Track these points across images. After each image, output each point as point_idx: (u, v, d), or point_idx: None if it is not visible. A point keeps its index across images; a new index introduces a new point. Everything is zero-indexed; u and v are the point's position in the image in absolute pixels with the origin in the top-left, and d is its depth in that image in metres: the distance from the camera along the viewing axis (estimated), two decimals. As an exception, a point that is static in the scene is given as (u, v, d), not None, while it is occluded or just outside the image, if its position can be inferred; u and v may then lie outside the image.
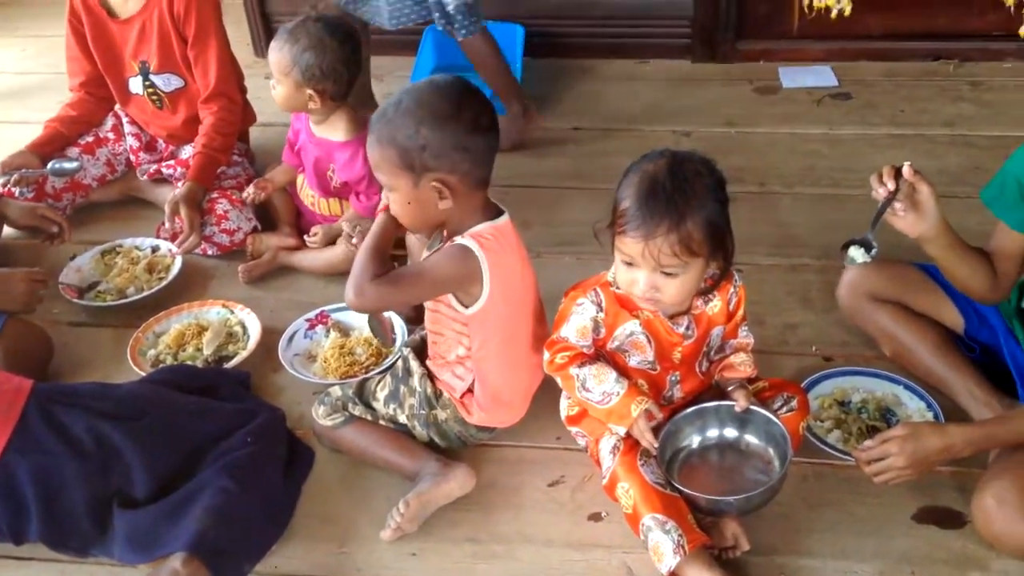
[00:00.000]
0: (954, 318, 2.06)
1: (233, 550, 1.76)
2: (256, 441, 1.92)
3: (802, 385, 2.02)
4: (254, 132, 3.06)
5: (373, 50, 3.20)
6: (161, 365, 2.27)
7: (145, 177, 2.88)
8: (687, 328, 1.81)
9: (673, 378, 1.87)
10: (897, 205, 1.75)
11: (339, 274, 2.51)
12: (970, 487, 1.80)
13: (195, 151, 2.70)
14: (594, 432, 1.90)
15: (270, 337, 2.33)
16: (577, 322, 1.81)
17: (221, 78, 2.72)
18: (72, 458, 1.80)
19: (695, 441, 1.86)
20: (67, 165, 2.74)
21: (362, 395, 2.03)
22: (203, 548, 1.70)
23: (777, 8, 3.49)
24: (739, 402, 1.80)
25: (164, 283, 2.54)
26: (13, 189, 2.69)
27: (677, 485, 1.73)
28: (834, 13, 2.82)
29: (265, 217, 2.74)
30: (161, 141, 2.93)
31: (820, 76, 3.45)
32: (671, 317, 1.80)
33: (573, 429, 1.98)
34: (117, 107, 2.91)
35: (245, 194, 2.64)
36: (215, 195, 2.67)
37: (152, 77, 2.76)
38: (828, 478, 1.93)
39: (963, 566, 1.75)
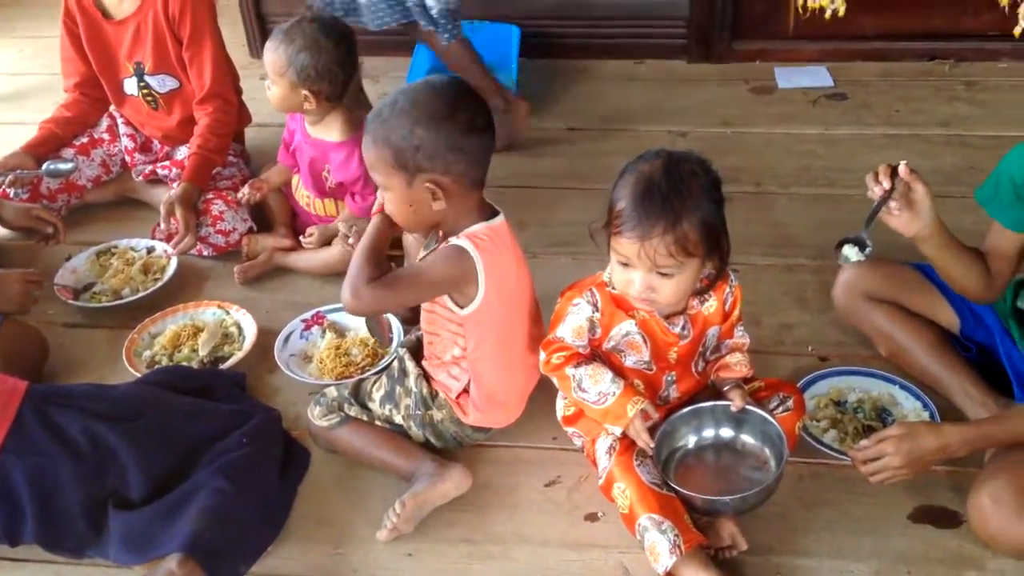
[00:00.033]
0: (950, 318, 2.07)
1: (229, 551, 1.76)
2: (252, 442, 1.92)
3: (798, 385, 2.02)
4: (249, 133, 3.05)
5: (368, 51, 3.19)
6: (156, 366, 2.27)
7: (140, 178, 2.87)
8: (683, 328, 1.81)
9: (669, 378, 1.87)
10: (892, 204, 1.75)
11: (335, 275, 2.51)
12: (966, 487, 1.80)
13: (190, 152, 2.70)
14: (590, 432, 1.90)
15: (266, 338, 2.32)
16: (573, 322, 1.81)
17: (216, 79, 2.72)
18: (67, 459, 1.79)
19: (691, 441, 1.86)
20: (62, 166, 2.73)
21: (358, 396, 2.03)
22: (199, 549, 1.70)
23: (773, 8, 3.49)
24: (735, 402, 1.80)
25: (159, 284, 2.54)
26: (8, 190, 2.69)
27: (673, 485, 1.73)
28: (828, 13, 2.82)
29: (261, 218, 2.73)
30: (156, 142, 2.92)
31: (816, 76, 3.45)
32: (667, 317, 1.80)
33: (569, 429, 1.98)
34: (112, 108, 2.91)
35: (240, 195, 2.64)
36: (210, 196, 2.67)
37: (147, 78, 2.76)
38: (824, 478, 1.93)
39: (959, 565, 1.76)
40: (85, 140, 2.87)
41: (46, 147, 2.79)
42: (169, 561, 1.68)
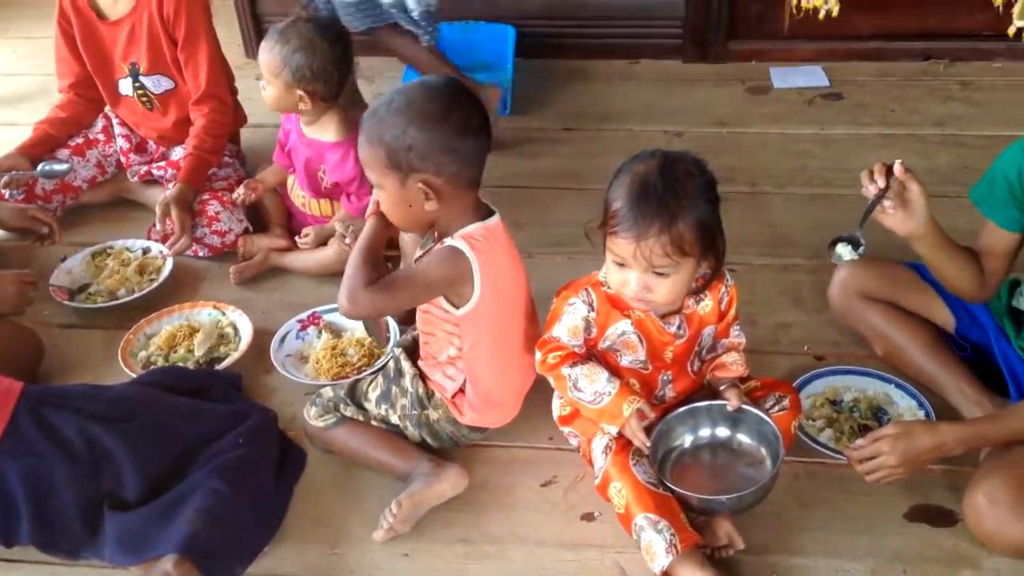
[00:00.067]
0: (945, 317, 2.07)
1: (225, 552, 1.76)
2: (248, 442, 1.92)
3: (794, 384, 2.02)
4: (245, 133, 3.05)
5: (364, 51, 3.19)
6: (152, 367, 2.26)
7: (136, 179, 2.87)
8: (678, 328, 1.81)
9: (665, 377, 1.87)
10: (887, 203, 1.76)
11: (331, 275, 2.52)
12: (961, 485, 1.80)
13: (186, 152, 2.69)
14: (586, 432, 1.90)
15: (262, 338, 2.32)
16: (569, 322, 1.81)
17: (211, 80, 2.72)
18: (63, 460, 1.79)
19: (687, 440, 1.86)
20: (57, 167, 2.72)
21: (354, 396, 2.03)
22: (194, 550, 1.69)
23: (768, 8, 3.49)
24: (731, 401, 1.80)
25: (155, 285, 2.53)
26: (3, 191, 2.68)
27: (669, 484, 1.73)
28: (822, 14, 2.83)
29: (256, 218, 2.73)
30: (152, 142, 2.92)
31: (811, 76, 3.46)
32: (662, 317, 1.80)
33: (565, 429, 1.98)
34: (107, 108, 2.90)
35: (235, 195, 2.63)
36: (206, 196, 2.66)
37: (142, 79, 2.75)
38: (820, 477, 1.93)
39: (955, 564, 1.76)
40: (80, 141, 2.87)
41: (41, 148, 2.78)
42: (165, 562, 1.68)
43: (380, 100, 1.79)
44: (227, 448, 1.89)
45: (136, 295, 2.50)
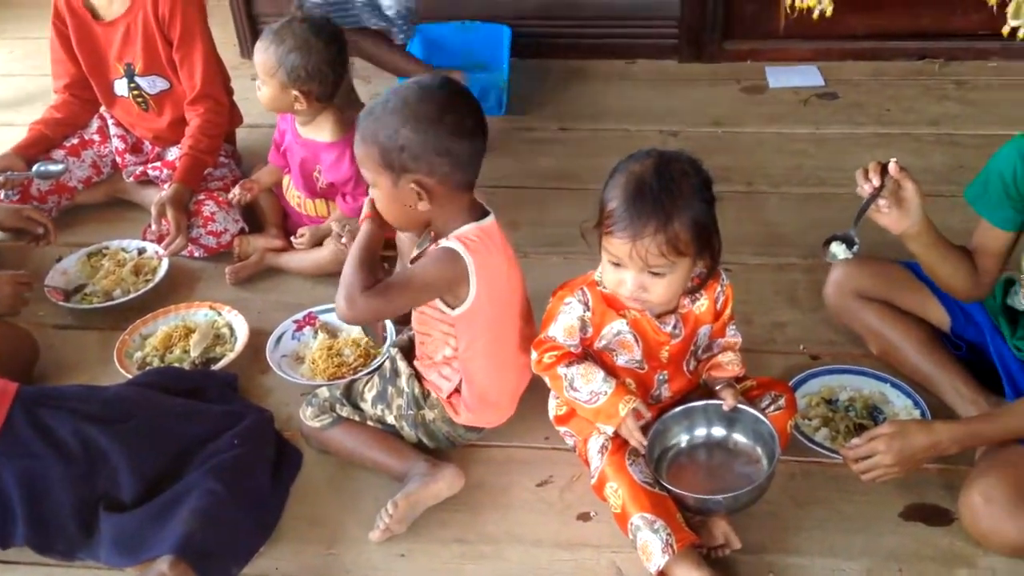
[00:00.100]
0: (940, 316, 2.07)
1: (220, 552, 1.76)
2: (243, 443, 1.92)
3: (790, 383, 2.02)
4: (240, 133, 3.05)
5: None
6: (148, 367, 2.26)
7: (131, 179, 2.86)
8: (674, 327, 1.81)
9: (661, 377, 1.87)
10: (881, 202, 1.76)
11: (326, 275, 2.52)
12: (957, 484, 1.81)
13: (181, 153, 2.69)
14: (582, 432, 1.90)
15: (258, 339, 2.32)
16: (564, 321, 1.81)
17: (207, 80, 2.71)
18: (58, 461, 1.79)
19: (683, 440, 1.86)
20: (52, 167, 2.72)
21: (350, 396, 2.03)
22: (190, 550, 1.69)
23: (763, 8, 3.50)
24: (727, 401, 1.80)
25: (151, 285, 2.53)
26: (-2, 192, 2.68)
27: (665, 484, 1.73)
28: (816, 14, 2.83)
29: (252, 219, 2.73)
30: (147, 143, 2.91)
31: (807, 76, 3.46)
32: (658, 316, 1.80)
33: (561, 429, 1.98)
34: (103, 109, 2.90)
35: (231, 195, 2.63)
36: (201, 197, 2.66)
37: (137, 79, 2.75)
38: (816, 476, 1.94)
39: (950, 563, 1.76)
40: (75, 141, 2.87)
41: (36, 148, 2.78)
42: (160, 563, 1.68)
43: (377, 99, 1.79)
44: (223, 449, 1.89)
45: (132, 296, 2.50)
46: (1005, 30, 2.61)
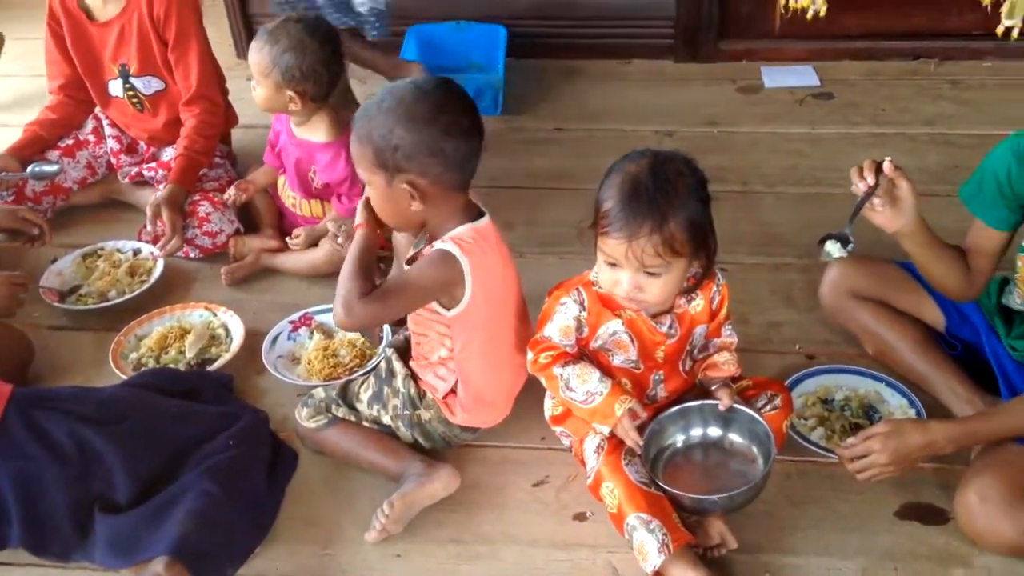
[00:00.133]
0: (935, 316, 2.07)
1: (216, 553, 1.76)
2: (239, 444, 1.91)
3: (785, 383, 2.02)
4: (236, 134, 3.04)
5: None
6: (143, 368, 2.26)
7: (126, 180, 2.86)
8: (670, 327, 1.81)
9: (657, 377, 1.87)
10: (876, 200, 1.76)
11: (322, 276, 2.52)
12: (952, 484, 1.81)
13: (177, 153, 2.69)
14: (578, 432, 1.90)
15: (253, 339, 2.32)
16: (560, 321, 1.81)
17: (202, 81, 2.71)
18: (53, 463, 1.79)
19: (679, 440, 1.86)
20: (47, 168, 2.71)
21: (346, 396, 2.03)
22: (185, 552, 1.69)
23: (759, 8, 3.50)
24: (723, 401, 1.80)
25: (146, 286, 2.52)
26: (-8, 193, 2.68)
27: (661, 484, 1.73)
28: (810, 14, 2.83)
29: (247, 219, 2.73)
30: (142, 143, 2.91)
31: (802, 76, 3.47)
32: (654, 316, 1.80)
33: (557, 429, 1.98)
34: (97, 110, 2.90)
35: (226, 196, 2.63)
36: (197, 197, 2.66)
37: (132, 80, 2.75)
38: (812, 476, 1.94)
39: (946, 562, 1.76)
40: (70, 142, 2.86)
41: (31, 149, 2.77)
42: (156, 564, 1.68)
43: (373, 98, 1.79)
44: (218, 450, 1.89)
45: (127, 296, 2.49)
46: (999, 30, 2.62)
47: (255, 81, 2.41)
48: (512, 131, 3.21)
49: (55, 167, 2.73)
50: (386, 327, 2.27)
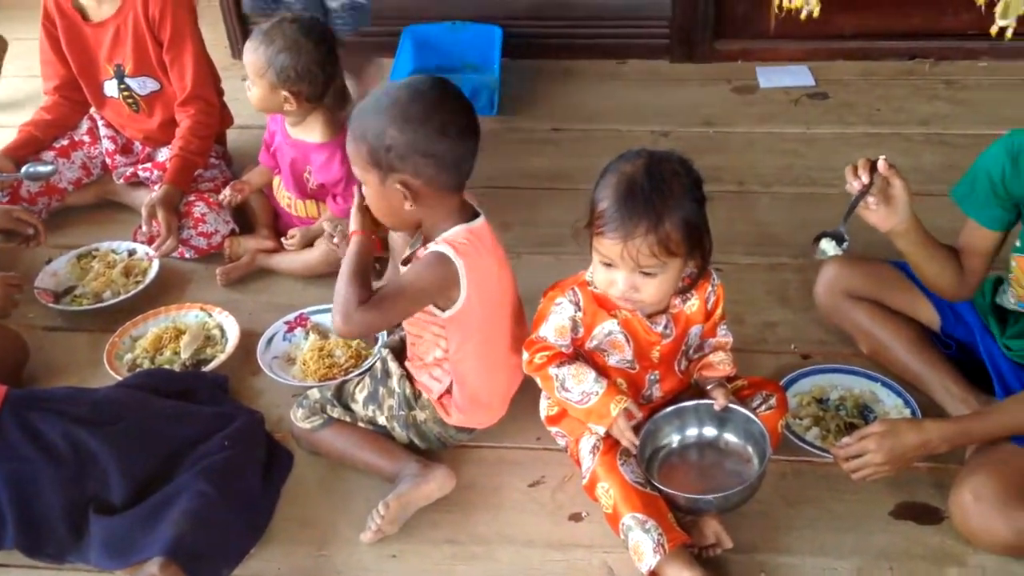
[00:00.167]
0: (930, 315, 2.08)
1: (211, 554, 1.75)
2: (234, 445, 1.91)
3: (781, 383, 2.02)
4: (231, 134, 3.04)
5: (351, 52, 3.18)
6: (138, 369, 2.25)
7: (121, 180, 2.85)
8: (665, 327, 1.81)
9: (652, 377, 1.87)
10: (870, 199, 1.76)
11: (317, 276, 2.51)
12: (947, 483, 1.81)
13: (172, 154, 2.68)
14: (574, 432, 1.90)
15: (248, 340, 2.32)
16: (555, 321, 1.81)
17: (197, 81, 2.71)
18: (47, 464, 1.78)
19: (675, 440, 1.86)
20: (42, 169, 2.70)
21: (341, 397, 2.02)
22: (181, 552, 1.69)
23: (754, 8, 3.50)
24: (718, 401, 1.80)
25: (141, 287, 2.52)
26: (-13, 193, 2.67)
27: (657, 484, 1.73)
28: (803, 14, 2.84)
29: (243, 220, 2.72)
30: (137, 144, 2.91)
31: (797, 76, 3.47)
32: (649, 316, 1.80)
33: (553, 429, 1.98)
34: (92, 110, 2.89)
35: (221, 196, 2.62)
36: (192, 198, 2.65)
37: (127, 80, 2.74)
38: (807, 475, 1.94)
39: (940, 561, 1.77)
40: (65, 143, 2.85)
41: (25, 150, 2.77)
42: (151, 565, 1.67)
43: (370, 96, 1.79)
44: (213, 450, 1.88)
45: (122, 297, 2.49)
46: (993, 30, 2.61)
47: (250, 81, 2.41)
48: (508, 131, 3.21)
49: (50, 167, 2.72)
50: (382, 327, 2.27)
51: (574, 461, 1.91)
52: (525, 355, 1.85)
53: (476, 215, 1.85)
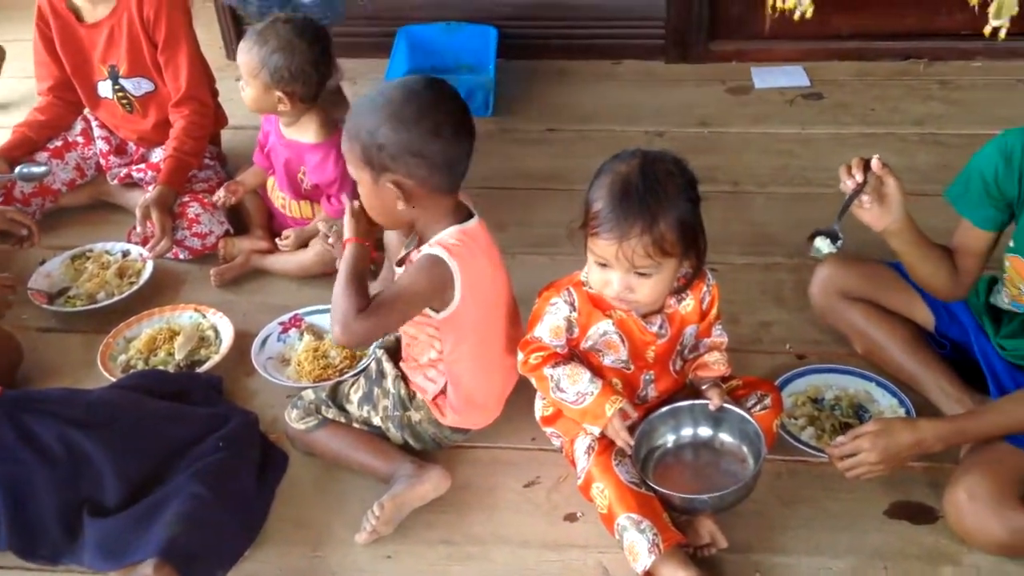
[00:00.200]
0: (925, 315, 2.08)
1: (205, 555, 1.75)
2: (228, 446, 1.91)
3: (776, 383, 2.02)
4: (226, 135, 3.04)
5: (346, 52, 3.18)
6: (132, 370, 2.25)
7: (115, 181, 2.85)
8: (660, 327, 1.81)
9: (647, 377, 1.87)
10: (864, 198, 1.76)
11: (312, 277, 2.51)
12: (942, 482, 1.81)
13: (166, 155, 2.68)
14: (569, 432, 1.90)
15: (243, 341, 2.31)
16: (550, 322, 1.81)
17: (192, 82, 2.70)
18: (42, 466, 1.78)
19: (670, 440, 1.86)
20: (36, 170, 2.70)
21: (336, 398, 2.02)
22: (175, 554, 1.68)
23: (749, 9, 3.50)
24: (713, 401, 1.80)
25: (135, 288, 2.52)
26: (-19, 194, 2.66)
27: (652, 484, 1.73)
28: (796, 15, 2.84)
29: (237, 220, 2.72)
30: (131, 144, 2.90)
31: (792, 76, 3.47)
32: (644, 316, 1.80)
33: (548, 429, 1.98)
34: (86, 111, 2.89)
35: (216, 197, 2.62)
36: (186, 199, 2.65)
37: (122, 81, 2.74)
38: (802, 475, 1.94)
39: (935, 561, 1.77)
40: (59, 143, 2.85)
41: (19, 151, 2.76)
42: (145, 567, 1.67)
43: (367, 95, 1.79)
44: (207, 452, 1.88)
45: (116, 298, 2.48)
46: (987, 30, 2.62)
47: (244, 81, 2.40)
48: (503, 132, 3.21)
49: (43, 168, 2.72)
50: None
51: (569, 461, 1.91)
52: (520, 356, 1.85)
53: (471, 215, 1.85)
